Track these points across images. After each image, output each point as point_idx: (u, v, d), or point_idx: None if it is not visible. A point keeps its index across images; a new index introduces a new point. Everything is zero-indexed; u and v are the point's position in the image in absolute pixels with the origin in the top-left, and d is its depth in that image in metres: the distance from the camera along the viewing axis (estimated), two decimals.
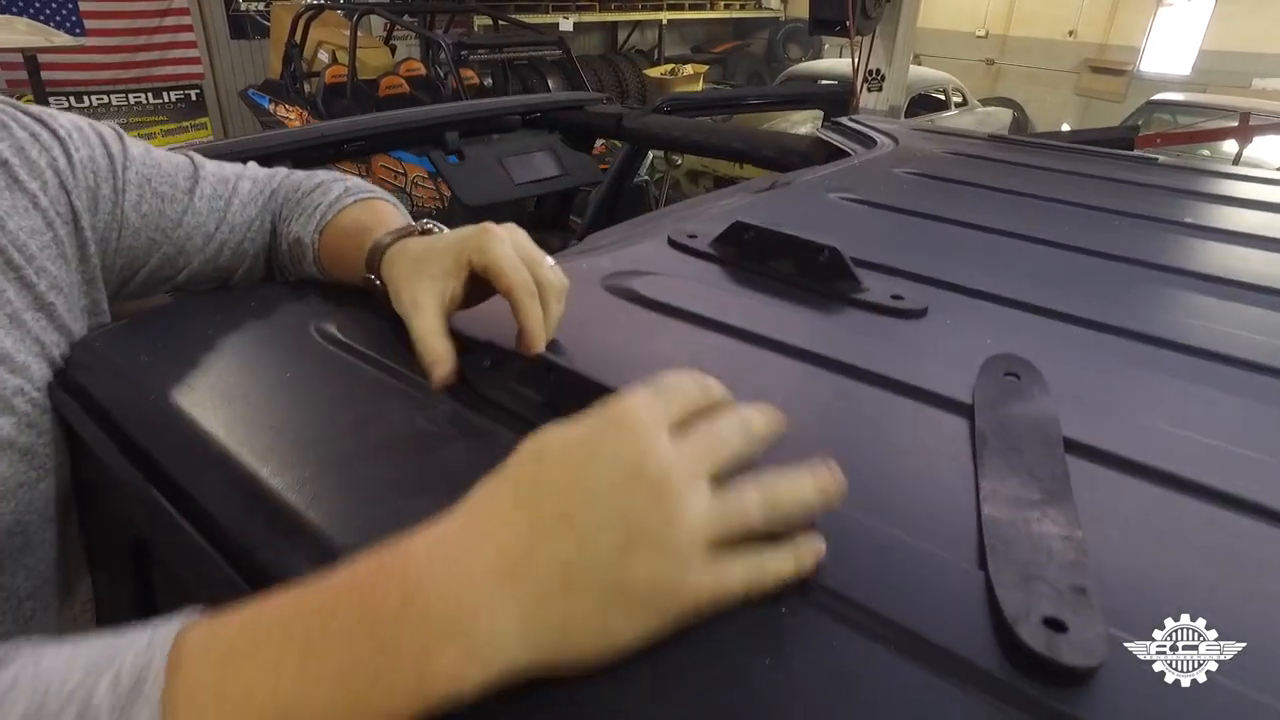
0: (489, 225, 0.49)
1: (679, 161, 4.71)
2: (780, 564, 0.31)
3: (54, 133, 0.54)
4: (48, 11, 5.89)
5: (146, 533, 0.48)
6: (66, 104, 6.09)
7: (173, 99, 6.80)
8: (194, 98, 6.92)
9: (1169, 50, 8.13)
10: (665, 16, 9.45)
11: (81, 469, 0.53)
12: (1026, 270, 0.68)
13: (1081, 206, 0.86)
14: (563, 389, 0.44)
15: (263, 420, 0.45)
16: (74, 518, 0.54)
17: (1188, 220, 0.83)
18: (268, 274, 0.66)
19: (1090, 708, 0.27)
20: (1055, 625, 0.29)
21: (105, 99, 6.43)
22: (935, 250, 0.72)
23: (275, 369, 0.51)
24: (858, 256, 0.63)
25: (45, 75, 5.55)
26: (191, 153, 0.64)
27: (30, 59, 5.23)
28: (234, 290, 0.64)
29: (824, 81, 5.69)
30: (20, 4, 5.72)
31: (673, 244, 0.70)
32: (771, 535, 0.31)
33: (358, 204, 0.61)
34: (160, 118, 6.76)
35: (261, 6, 7.06)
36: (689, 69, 8.13)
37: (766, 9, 10.79)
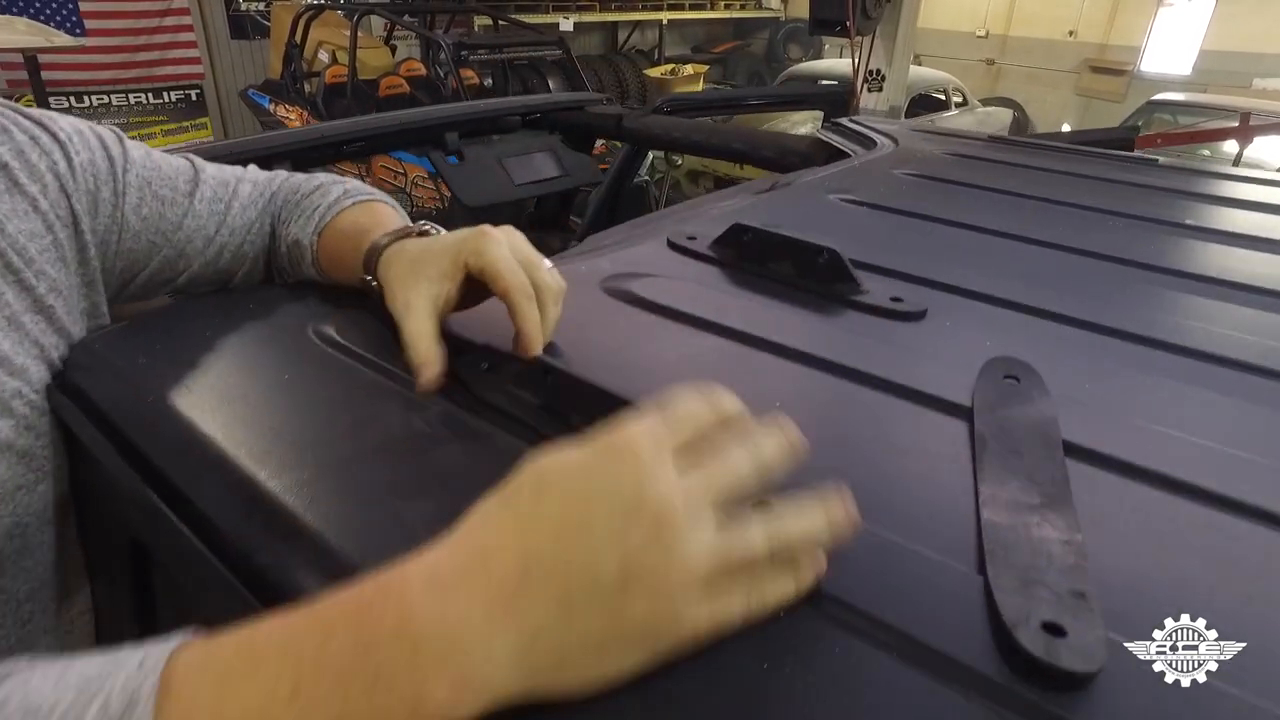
0: (485, 228, 0.49)
1: (679, 162, 4.71)
2: (781, 588, 0.30)
3: (54, 136, 0.54)
4: (48, 11, 5.89)
5: (145, 535, 0.48)
6: (67, 104, 6.10)
7: (173, 99, 6.81)
8: (194, 98, 6.92)
9: (1169, 50, 8.13)
10: (665, 16, 9.45)
11: (80, 471, 0.53)
12: (1026, 272, 0.68)
13: (1082, 208, 0.86)
14: (560, 392, 0.44)
15: (261, 422, 0.45)
16: (72, 520, 0.54)
17: (1188, 222, 0.83)
18: (267, 276, 0.66)
19: (1090, 713, 0.27)
20: (1054, 630, 0.29)
21: (105, 99, 6.44)
22: (935, 252, 0.72)
23: (273, 371, 0.51)
24: (857, 258, 0.63)
25: (45, 75, 5.56)
26: (192, 155, 0.64)
27: (30, 59, 5.24)
28: (233, 292, 0.64)
29: (824, 82, 5.70)
30: (20, 4, 5.72)
31: (672, 246, 0.70)
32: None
33: (356, 206, 0.61)
34: (160, 118, 6.76)
35: (261, 6, 7.07)
36: (689, 69, 8.13)
37: (767, 9, 10.79)
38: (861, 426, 0.46)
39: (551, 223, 2.14)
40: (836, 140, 1.26)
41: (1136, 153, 1.49)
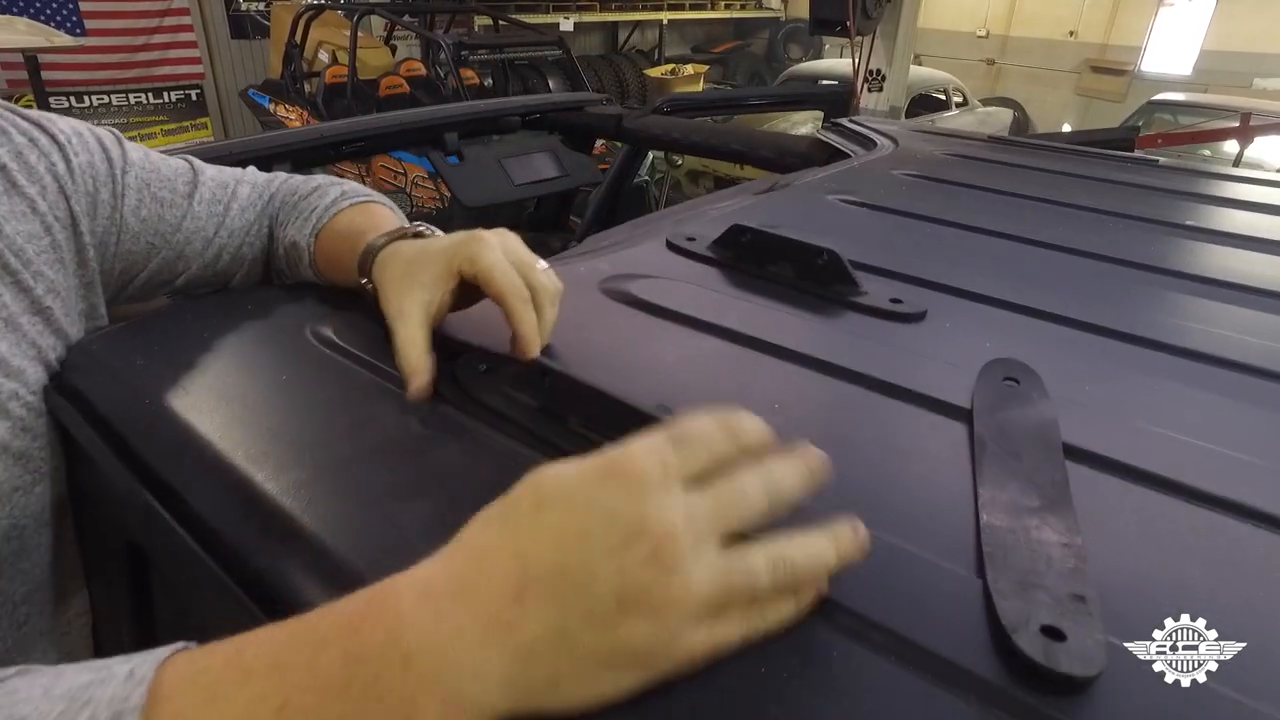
0: (479, 232, 0.49)
1: (679, 162, 4.71)
2: (781, 612, 0.30)
3: (53, 138, 0.53)
4: (48, 11, 5.89)
5: (142, 538, 0.48)
6: (67, 104, 6.10)
7: (173, 99, 6.81)
8: (194, 98, 6.92)
9: (1170, 50, 8.14)
10: (665, 16, 9.45)
11: (77, 473, 0.53)
12: (1026, 273, 0.68)
13: (1082, 209, 0.86)
14: (558, 394, 0.44)
15: (258, 424, 0.45)
16: (69, 522, 0.54)
17: (1189, 223, 0.83)
18: (265, 278, 0.66)
19: (1089, 717, 0.27)
20: (1053, 634, 0.29)
21: (105, 99, 6.44)
22: (934, 253, 0.72)
23: (271, 373, 0.51)
24: (856, 259, 0.63)
25: (45, 75, 5.57)
26: (191, 157, 0.64)
27: (30, 59, 5.25)
28: (230, 293, 0.64)
29: (824, 82, 5.70)
30: (20, 4, 5.72)
31: (671, 247, 0.70)
32: None
33: (353, 207, 0.61)
34: (160, 118, 6.76)
35: (262, 6, 7.07)
36: (689, 69, 8.13)
37: (767, 9, 10.79)
38: (860, 428, 0.46)
39: (551, 223, 2.13)
40: (836, 141, 1.26)
41: (1137, 153, 1.49)
